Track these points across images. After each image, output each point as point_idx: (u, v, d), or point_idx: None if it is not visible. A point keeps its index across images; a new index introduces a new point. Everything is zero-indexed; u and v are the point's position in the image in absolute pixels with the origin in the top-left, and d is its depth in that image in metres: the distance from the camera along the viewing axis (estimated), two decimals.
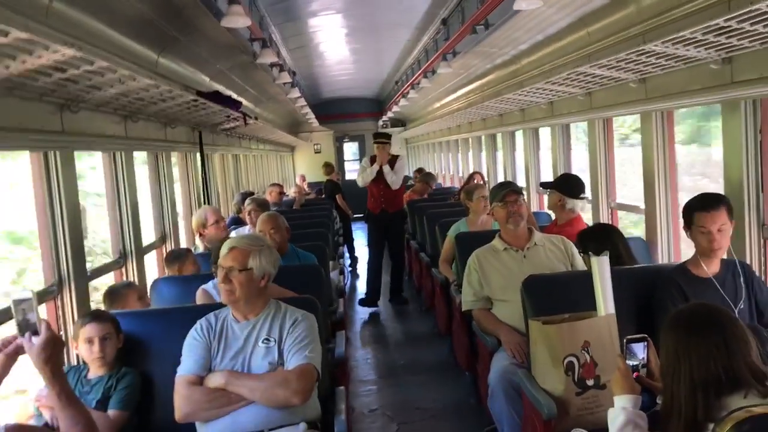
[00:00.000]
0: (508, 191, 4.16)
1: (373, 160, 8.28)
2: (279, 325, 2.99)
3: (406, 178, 9.35)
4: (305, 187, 13.99)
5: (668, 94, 4.32)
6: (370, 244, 8.77)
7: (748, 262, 3.58)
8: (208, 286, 3.91)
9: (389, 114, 17.41)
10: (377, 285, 8.56)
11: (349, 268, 11.12)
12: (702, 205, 3.17)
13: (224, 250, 3.01)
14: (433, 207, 8.03)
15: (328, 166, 12.53)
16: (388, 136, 8.44)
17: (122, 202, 4.81)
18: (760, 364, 2.04)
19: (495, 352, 3.93)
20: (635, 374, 2.43)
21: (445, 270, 5.78)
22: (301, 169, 18.87)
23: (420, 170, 12.99)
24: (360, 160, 11.69)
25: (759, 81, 3.38)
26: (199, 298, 3.86)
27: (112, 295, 3.73)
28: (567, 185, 4.98)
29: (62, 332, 3.63)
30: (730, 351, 2.01)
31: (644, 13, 4.15)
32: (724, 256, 3.30)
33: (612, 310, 2.97)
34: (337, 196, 11.55)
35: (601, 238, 3.83)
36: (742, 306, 3.18)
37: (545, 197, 7.81)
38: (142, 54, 4.76)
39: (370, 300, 8.51)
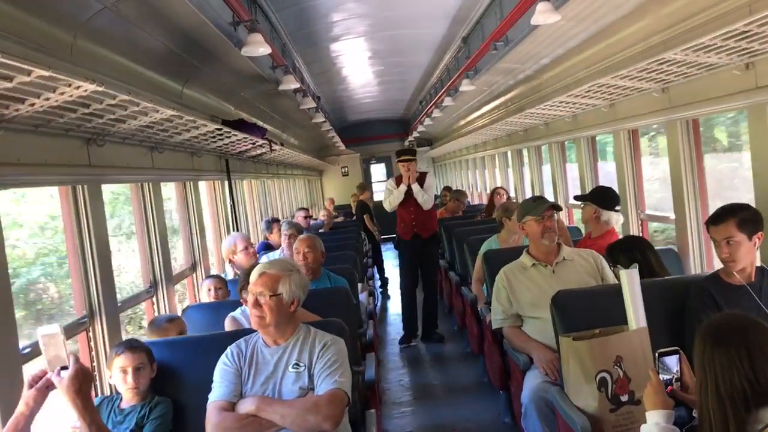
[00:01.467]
0: (547, 207, 4.12)
1: (398, 180, 7.53)
2: (309, 349, 2.98)
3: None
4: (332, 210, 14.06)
5: (692, 102, 4.27)
6: (403, 275, 7.91)
7: None
8: (237, 313, 3.93)
9: (415, 134, 17.47)
10: (413, 319, 7.83)
11: (380, 290, 11.09)
12: (712, 218, 3.20)
13: (254, 275, 3.01)
14: (461, 225, 7.95)
15: (358, 187, 12.57)
16: (414, 152, 7.68)
17: (151, 232, 4.88)
18: None
19: (527, 370, 3.88)
20: (669, 388, 2.38)
21: (479, 291, 5.70)
22: (329, 192, 18.99)
23: (448, 188, 12.96)
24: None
25: None
26: (228, 326, 3.88)
27: (153, 327, 3.75)
28: (603, 198, 4.94)
29: (94, 363, 3.67)
30: (755, 363, 1.94)
31: (663, 22, 4.13)
32: (758, 264, 3.23)
33: (644, 323, 2.92)
34: (364, 217, 11.54)
35: (631, 250, 3.79)
36: None
37: (573, 211, 7.75)
38: (166, 86, 4.87)
39: (407, 338, 7.81)
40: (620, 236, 4.93)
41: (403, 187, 7.36)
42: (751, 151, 3.81)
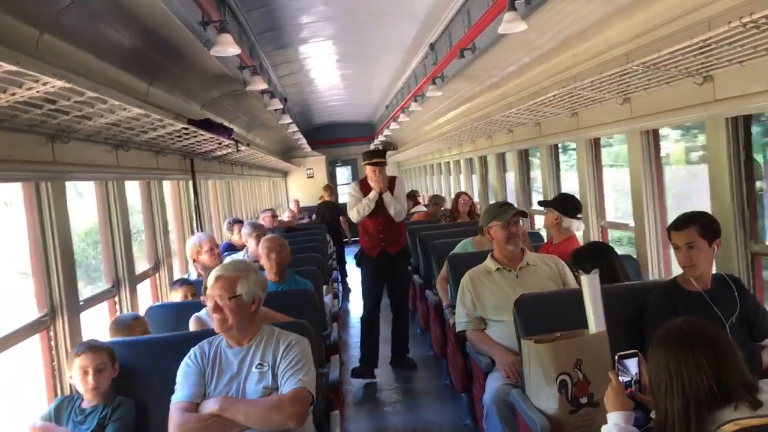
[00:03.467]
0: (515, 213, 4.18)
1: (363, 185, 6.50)
2: (272, 349, 2.99)
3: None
4: (298, 211, 14.03)
5: (652, 113, 4.38)
6: (366, 297, 6.71)
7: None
8: (202, 313, 3.91)
9: (380, 137, 17.53)
10: (373, 348, 6.62)
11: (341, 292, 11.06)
12: (674, 224, 3.29)
13: (211, 279, 3.01)
14: (426, 229, 7.94)
15: (325, 188, 12.58)
16: (384, 154, 6.68)
17: (115, 231, 4.82)
18: (749, 376, 2.06)
19: (489, 372, 3.94)
20: (628, 390, 2.44)
21: (442, 288, 5.76)
22: (294, 193, 18.96)
23: (413, 193, 12.98)
24: None
25: (740, 98, 3.44)
26: (192, 326, 3.87)
27: (117, 325, 3.72)
28: (565, 205, 5.04)
29: (54, 362, 3.61)
30: (720, 364, 2.02)
31: (627, 34, 4.24)
32: (714, 271, 3.34)
33: (603, 327, 2.98)
34: (340, 218, 11.53)
35: (597, 256, 3.88)
36: (733, 320, 3.18)
37: (536, 217, 7.86)
38: (133, 84, 4.83)
39: (364, 369, 6.58)
40: (581, 243, 5.05)
41: (374, 195, 6.31)
42: (708, 162, 3.92)
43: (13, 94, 2.64)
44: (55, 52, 3.51)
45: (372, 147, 17.74)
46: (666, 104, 4.19)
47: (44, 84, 2.59)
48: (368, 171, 6.39)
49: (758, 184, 3.77)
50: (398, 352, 6.81)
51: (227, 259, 6.02)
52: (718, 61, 3.36)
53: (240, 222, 7.56)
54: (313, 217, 12.93)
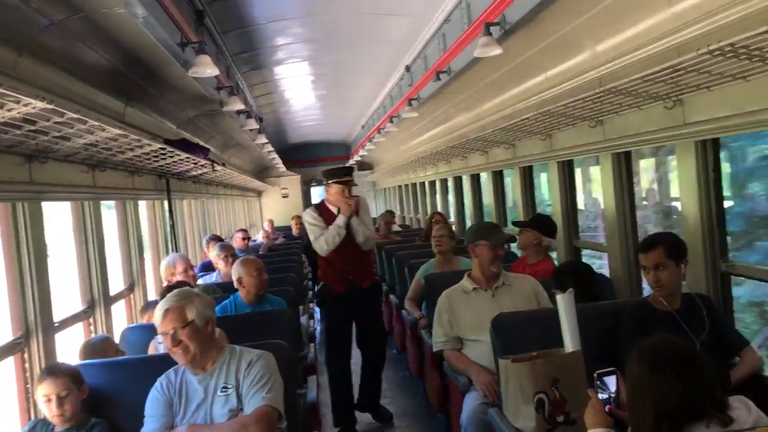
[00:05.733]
0: (506, 240, 4.27)
1: (322, 210, 5.46)
2: (235, 369, 2.98)
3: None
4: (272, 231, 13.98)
5: (624, 136, 4.47)
6: (332, 343, 5.54)
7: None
8: (159, 338, 3.87)
9: (356, 157, 17.58)
10: (350, 406, 5.63)
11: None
12: (642, 245, 3.38)
13: (158, 317, 2.95)
14: (402, 249, 7.99)
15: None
16: (352, 171, 5.62)
17: (90, 251, 4.78)
18: (720, 394, 2.11)
19: (467, 392, 3.96)
20: (607, 407, 2.48)
21: (411, 307, 5.87)
22: (268, 213, 18.89)
23: (390, 213, 12.99)
24: None
25: (708, 122, 3.55)
26: (152, 352, 3.86)
27: (88, 348, 3.68)
28: (544, 225, 5.15)
29: (29, 385, 3.56)
30: (691, 381, 2.07)
31: (599, 59, 4.34)
32: (685, 291, 3.42)
33: (578, 346, 3.03)
34: None
35: (580, 274, 3.97)
36: (703, 339, 3.25)
37: None
38: (110, 104, 4.83)
39: (348, 427, 5.57)
40: (555, 262, 5.12)
41: (342, 220, 5.27)
42: (679, 183, 4.02)
43: None
44: (33, 73, 3.51)
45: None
46: (637, 127, 4.29)
47: (25, 105, 2.59)
48: (335, 191, 5.36)
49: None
50: (370, 399, 5.81)
51: (200, 281, 6.01)
52: (687, 87, 3.46)
53: (219, 239, 7.53)
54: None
